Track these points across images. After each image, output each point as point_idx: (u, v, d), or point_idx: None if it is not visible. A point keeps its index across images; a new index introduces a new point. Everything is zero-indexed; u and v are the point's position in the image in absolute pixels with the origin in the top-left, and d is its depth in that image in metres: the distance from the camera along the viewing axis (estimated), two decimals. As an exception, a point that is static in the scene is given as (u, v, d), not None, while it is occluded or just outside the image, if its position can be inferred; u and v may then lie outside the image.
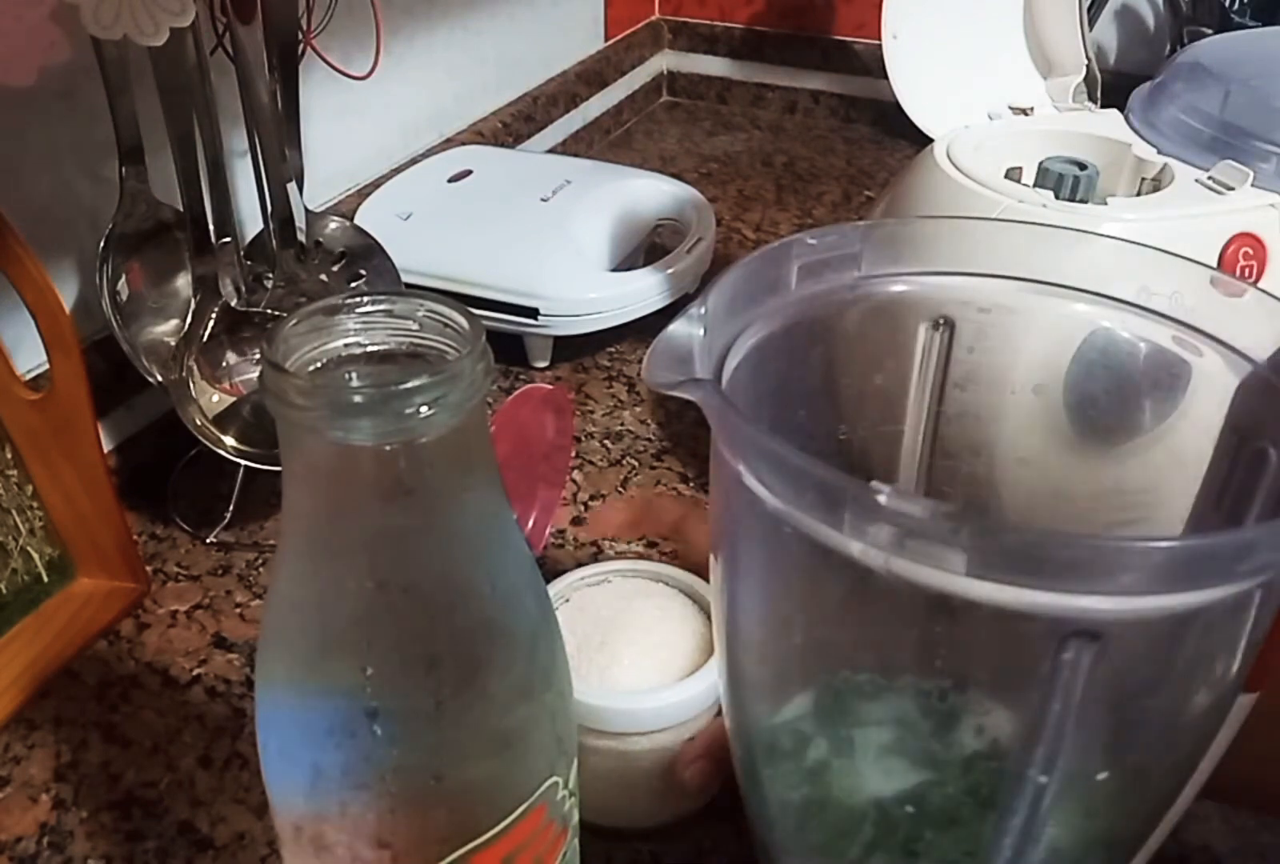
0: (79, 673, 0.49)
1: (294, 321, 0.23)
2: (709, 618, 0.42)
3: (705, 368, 0.30)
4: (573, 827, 0.30)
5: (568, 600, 0.43)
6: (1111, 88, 0.68)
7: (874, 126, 1.06)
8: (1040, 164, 0.53)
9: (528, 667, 0.26)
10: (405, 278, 0.62)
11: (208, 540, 0.56)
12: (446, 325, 0.23)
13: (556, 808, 0.28)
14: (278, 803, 0.27)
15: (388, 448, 0.22)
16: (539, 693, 0.27)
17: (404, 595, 0.24)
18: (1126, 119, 0.57)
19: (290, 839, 0.27)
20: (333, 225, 0.60)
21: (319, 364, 0.23)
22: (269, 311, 0.55)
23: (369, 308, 0.23)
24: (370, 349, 0.23)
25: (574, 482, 0.60)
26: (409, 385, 0.21)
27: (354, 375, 0.23)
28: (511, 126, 0.89)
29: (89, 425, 0.48)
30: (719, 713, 0.40)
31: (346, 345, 0.23)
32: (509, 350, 0.69)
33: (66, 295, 0.54)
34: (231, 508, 0.56)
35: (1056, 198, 0.50)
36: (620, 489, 0.60)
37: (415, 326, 0.23)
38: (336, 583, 0.24)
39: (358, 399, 0.21)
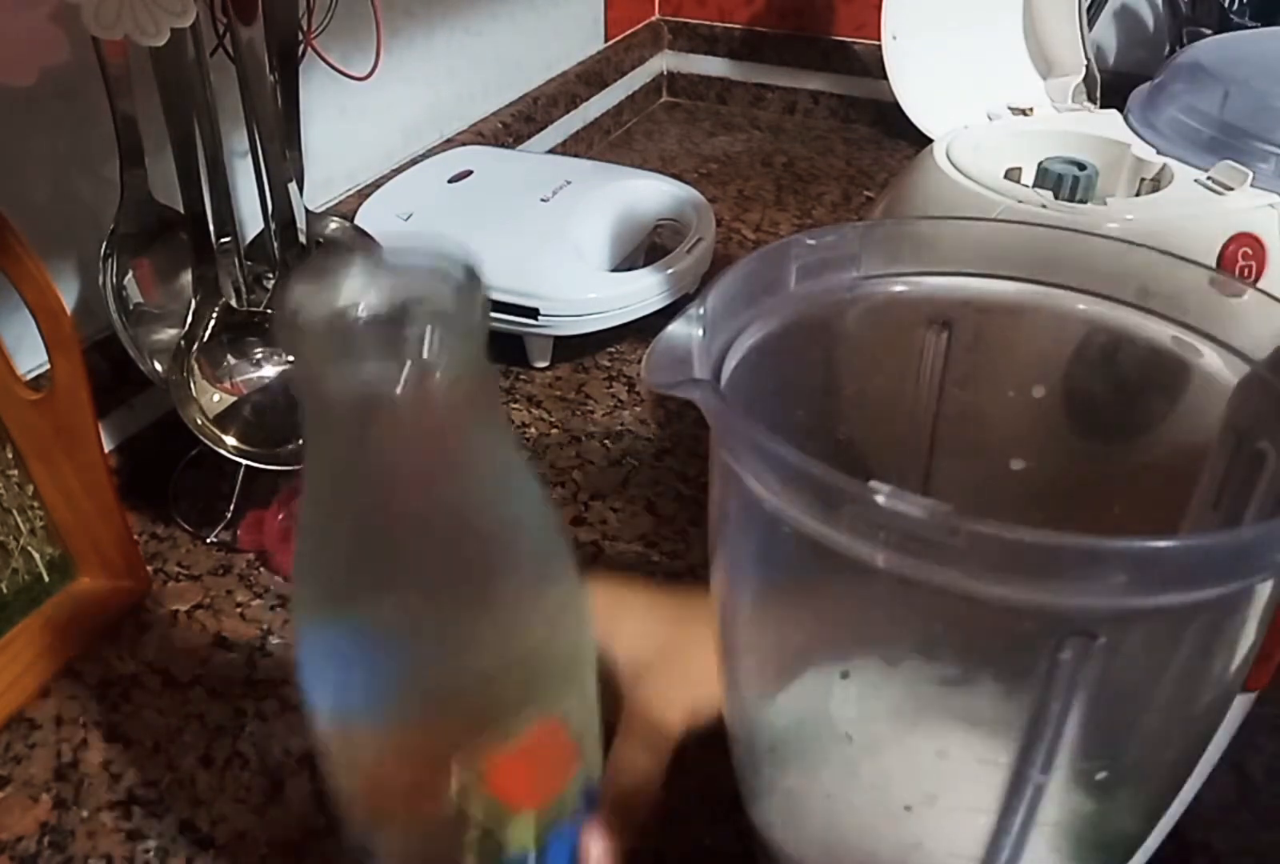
0: (80, 672, 0.49)
1: (304, 273, 0.24)
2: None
3: (704, 368, 0.30)
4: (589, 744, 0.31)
5: None
6: (1111, 88, 0.68)
7: (874, 127, 1.06)
8: (1040, 164, 0.53)
9: (541, 590, 0.27)
10: (405, 278, 0.62)
11: (208, 540, 0.56)
12: (447, 274, 0.25)
13: (571, 728, 0.29)
14: (315, 717, 0.29)
15: (397, 388, 0.23)
16: (555, 615, 0.28)
17: (418, 526, 0.25)
18: (1126, 119, 0.57)
19: (329, 752, 0.29)
20: (333, 225, 0.60)
21: (329, 309, 0.24)
22: (269, 311, 0.55)
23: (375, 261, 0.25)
24: (377, 297, 0.25)
25: (574, 481, 0.60)
26: (414, 327, 0.23)
27: (362, 319, 0.25)
28: (512, 127, 0.89)
29: (90, 425, 0.48)
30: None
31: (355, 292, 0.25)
32: (509, 350, 0.69)
33: (67, 295, 0.54)
34: (232, 507, 0.56)
35: (1056, 198, 0.50)
36: (620, 489, 0.60)
37: (419, 276, 0.25)
38: (354, 517, 0.25)
39: (365, 340, 0.23)
